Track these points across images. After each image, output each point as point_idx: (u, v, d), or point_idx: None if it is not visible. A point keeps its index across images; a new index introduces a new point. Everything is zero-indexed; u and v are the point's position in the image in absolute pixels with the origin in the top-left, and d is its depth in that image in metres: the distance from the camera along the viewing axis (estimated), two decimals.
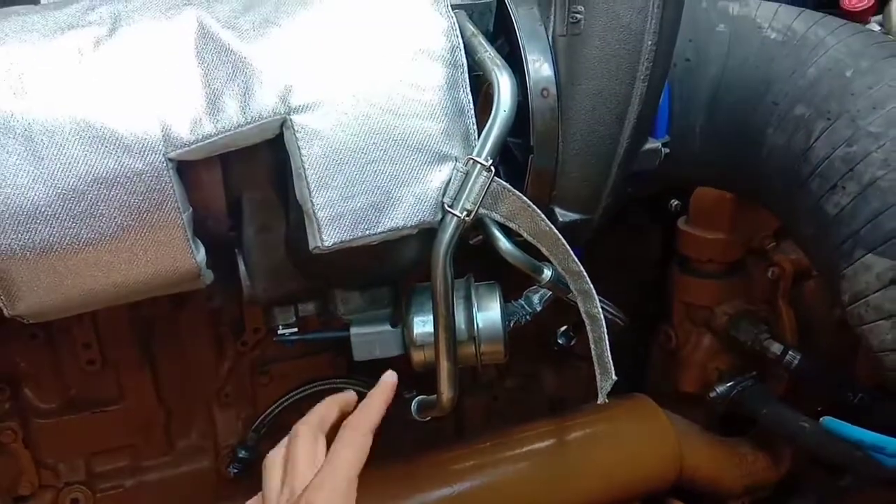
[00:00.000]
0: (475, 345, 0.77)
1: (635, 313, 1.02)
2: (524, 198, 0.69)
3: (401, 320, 0.79)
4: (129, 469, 1.07)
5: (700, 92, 0.83)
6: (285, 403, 1.03)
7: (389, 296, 0.81)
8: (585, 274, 0.70)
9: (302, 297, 0.81)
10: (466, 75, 0.68)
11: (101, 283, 0.64)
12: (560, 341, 1.20)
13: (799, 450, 1.14)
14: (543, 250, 0.71)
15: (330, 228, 0.65)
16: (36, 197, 0.59)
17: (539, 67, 0.73)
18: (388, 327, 0.80)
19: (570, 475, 1.04)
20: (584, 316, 0.72)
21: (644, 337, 1.27)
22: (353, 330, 0.80)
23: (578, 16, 0.71)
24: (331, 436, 0.63)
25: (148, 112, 0.61)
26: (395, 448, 1.11)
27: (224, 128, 0.62)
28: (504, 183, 0.68)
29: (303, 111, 0.63)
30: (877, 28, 0.96)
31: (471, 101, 0.68)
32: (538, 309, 0.85)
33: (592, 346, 0.72)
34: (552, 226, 0.69)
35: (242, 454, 1.06)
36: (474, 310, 0.77)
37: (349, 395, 0.67)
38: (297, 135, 0.63)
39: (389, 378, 0.67)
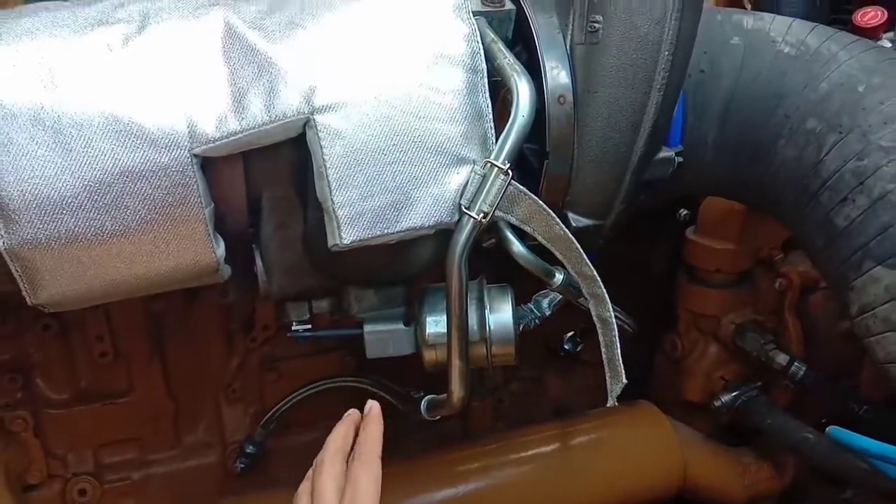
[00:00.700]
0: (486, 346, 0.78)
1: (641, 321, 1.03)
2: (540, 201, 0.70)
3: (414, 319, 0.80)
4: (137, 462, 1.08)
5: (713, 103, 0.84)
6: (294, 400, 1.04)
7: (403, 295, 0.82)
8: (598, 278, 0.71)
9: (317, 294, 0.82)
10: (486, 80, 0.70)
11: (123, 274, 0.65)
12: (566, 347, 1.21)
13: (802, 461, 1.14)
14: (557, 254, 0.72)
15: (349, 227, 0.66)
16: (63, 188, 0.60)
17: (557, 75, 0.74)
18: (401, 326, 0.81)
19: (573, 479, 1.05)
20: (595, 320, 0.73)
21: (650, 345, 1.28)
22: (367, 328, 0.81)
23: (597, 25, 0.72)
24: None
25: (175, 108, 0.62)
26: (401, 449, 1.13)
27: (248, 125, 0.64)
28: (520, 186, 0.69)
29: (326, 111, 0.65)
30: (889, 44, 0.97)
31: (490, 105, 0.69)
32: (547, 313, 0.86)
33: (603, 350, 0.73)
34: (566, 230, 0.70)
35: (250, 449, 1.07)
36: (486, 311, 0.78)
37: (356, 415, 0.69)
38: (320, 134, 0.65)
39: (375, 407, 0.68)
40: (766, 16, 0.86)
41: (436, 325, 0.78)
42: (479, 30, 0.70)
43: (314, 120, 0.64)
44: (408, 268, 0.76)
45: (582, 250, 0.71)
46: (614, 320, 0.72)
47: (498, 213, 0.69)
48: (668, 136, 0.80)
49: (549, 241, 0.71)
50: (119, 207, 0.62)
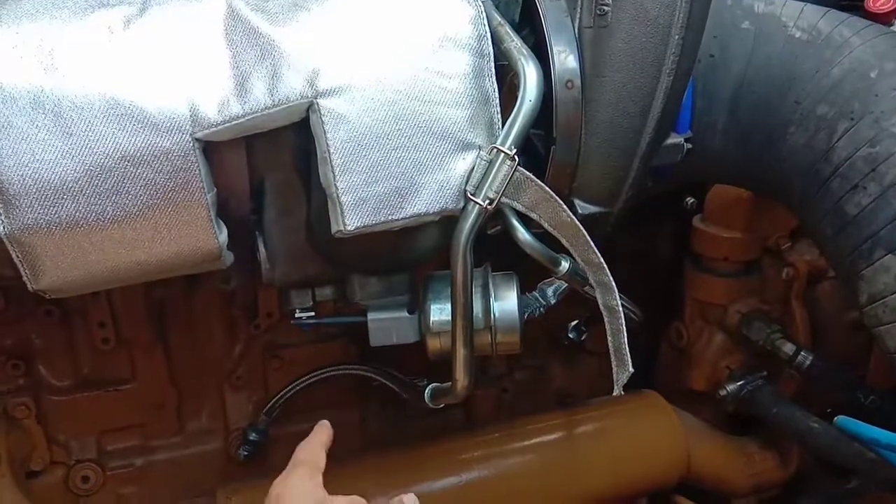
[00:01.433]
0: (491, 334, 0.78)
1: (646, 310, 1.02)
2: (546, 188, 0.69)
3: (418, 307, 0.80)
4: (140, 448, 1.08)
5: (723, 88, 0.83)
6: (298, 387, 1.03)
7: (407, 283, 0.81)
8: (605, 266, 0.70)
9: (320, 281, 0.81)
10: (492, 64, 0.69)
11: (125, 260, 0.64)
12: (571, 336, 1.20)
13: (807, 450, 1.14)
14: (563, 241, 0.71)
15: (353, 213, 0.65)
16: (63, 172, 0.60)
17: (564, 59, 0.73)
18: (404, 314, 0.80)
19: (577, 468, 1.05)
20: (602, 308, 0.73)
21: (654, 333, 1.27)
22: (371, 315, 0.80)
23: (606, 8, 0.71)
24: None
25: (176, 92, 0.62)
26: (403, 437, 1.13)
27: (251, 109, 0.63)
28: (527, 173, 0.68)
29: (329, 95, 0.64)
30: None
31: (496, 89, 0.69)
32: (552, 301, 0.86)
33: (610, 338, 0.73)
34: (573, 217, 0.69)
35: (253, 437, 1.07)
36: (491, 299, 0.78)
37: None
38: (324, 118, 0.64)
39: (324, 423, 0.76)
40: (777, 0, 0.85)
41: (440, 312, 0.77)
42: (485, 12, 0.69)
43: (318, 104, 0.63)
44: (412, 255, 0.75)
45: (589, 238, 0.70)
46: (621, 309, 0.71)
47: (504, 199, 0.68)
48: (678, 122, 0.79)
49: (556, 228, 0.71)
50: (120, 192, 0.61)
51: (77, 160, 0.60)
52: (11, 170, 0.59)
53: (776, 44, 0.82)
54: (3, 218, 0.59)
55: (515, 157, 0.67)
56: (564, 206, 0.69)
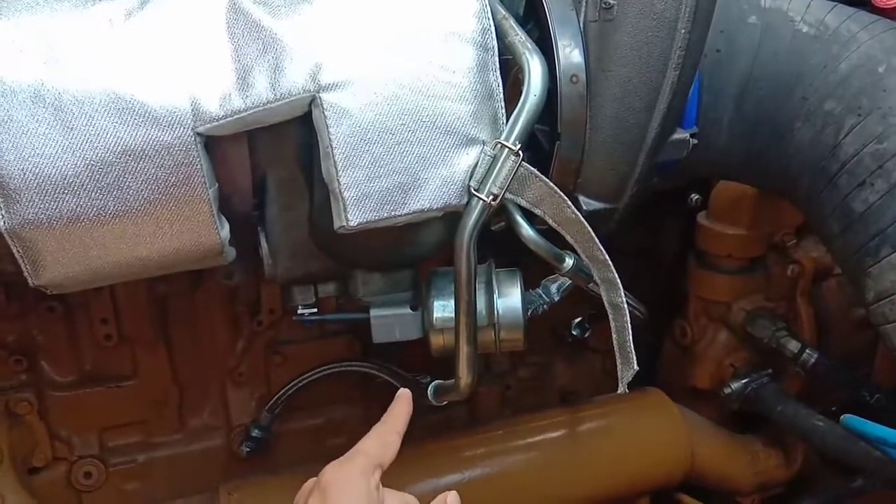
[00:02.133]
0: (495, 331, 0.77)
1: (650, 307, 1.02)
2: (551, 184, 0.68)
3: (421, 304, 0.79)
4: (142, 445, 1.08)
5: (729, 84, 0.82)
6: (300, 384, 1.03)
7: (410, 279, 0.81)
8: (610, 262, 0.70)
9: (323, 277, 0.81)
10: (497, 58, 0.68)
11: (126, 255, 0.64)
12: (574, 333, 1.20)
13: (812, 449, 1.13)
14: (568, 238, 0.70)
15: (356, 208, 0.65)
16: (64, 167, 0.59)
17: (569, 53, 0.72)
18: (407, 310, 0.80)
19: (580, 465, 1.04)
20: (606, 305, 0.72)
21: (659, 331, 1.27)
22: (373, 312, 0.79)
23: (611, 1, 0.70)
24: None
25: (178, 85, 0.61)
26: (406, 433, 1.12)
27: (253, 103, 0.62)
28: (531, 168, 0.68)
29: (332, 89, 0.63)
30: None
31: (500, 84, 0.68)
32: (556, 298, 0.85)
33: (615, 336, 0.72)
34: (578, 213, 0.69)
35: (256, 433, 1.06)
36: (495, 296, 0.77)
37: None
38: (326, 113, 0.63)
39: (405, 392, 0.67)
40: None
41: (443, 309, 0.76)
42: (489, 6, 0.69)
43: (320, 98, 0.63)
44: (415, 251, 0.75)
45: (594, 234, 0.69)
46: (626, 306, 0.71)
47: (508, 195, 0.68)
48: (683, 118, 0.79)
49: (560, 224, 0.70)
50: (121, 187, 0.61)
51: (78, 154, 0.59)
52: (12, 164, 0.58)
53: (783, 39, 0.81)
54: (3, 212, 0.59)
55: (520, 152, 0.66)
56: (569, 202, 0.69)
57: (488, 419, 1.17)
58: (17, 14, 0.61)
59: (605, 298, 0.72)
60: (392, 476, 0.95)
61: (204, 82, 0.61)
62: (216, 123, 0.62)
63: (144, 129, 0.60)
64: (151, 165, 0.61)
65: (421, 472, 0.97)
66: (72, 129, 0.59)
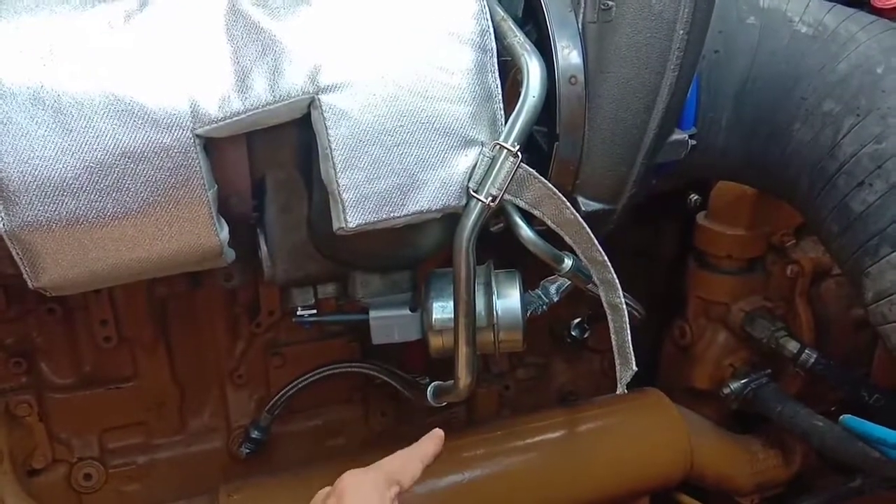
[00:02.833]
0: (494, 332, 0.77)
1: (649, 307, 1.02)
2: (550, 185, 0.68)
3: (420, 305, 0.79)
4: (142, 446, 1.08)
5: (728, 84, 0.82)
6: (300, 385, 1.03)
7: (409, 280, 0.81)
8: (609, 263, 0.70)
9: (321, 279, 0.81)
10: (495, 60, 0.68)
11: (125, 257, 0.64)
12: (573, 333, 1.20)
13: (811, 449, 1.13)
14: (567, 239, 0.71)
15: (355, 210, 0.65)
16: (63, 169, 0.59)
17: (568, 54, 0.72)
18: (406, 312, 0.80)
19: (580, 466, 1.04)
20: (605, 306, 0.72)
21: (658, 331, 1.27)
22: (373, 313, 0.80)
23: (610, 3, 0.70)
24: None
25: (177, 88, 0.61)
26: (405, 435, 1.12)
27: (252, 105, 0.62)
28: (530, 169, 0.68)
29: (331, 91, 0.63)
30: None
31: (499, 85, 0.68)
32: (555, 299, 0.85)
33: (613, 337, 0.72)
34: (577, 214, 0.69)
35: (255, 435, 1.06)
36: (494, 297, 0.77)
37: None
38: (325, 115, 0.63)
39: (439, 432, 0.70)
40: None
41: (443, 310, 0.77)
42: (488, 7, 0.69)
43: (319, 100, 0.63)
44: (414, 252, 0.75)
45: (592, 235, 0.69)
46: (625, 307, 0.71)
47: (507, 196, 0.68)
48: (682, 118, 0.79)
49: (559, 225, 0.70)
50: (120, 189, 0.61)
51: (77, 157, 0.59)
52: (11, 166, 0.58)
53: (781, 39, 0.81)
54: (3, 215, 0.59)
55: (518, 153, 0.66)
56: (567, 203, 0.69)
57: (487, 420, 1.17)
58: (16, 16, 0.61)
59: (603, 299, 0.72)
60: None
61: (203, 84, 0.62)
62: (215, 125, 0.62)
63: (143, 132, 0.60)
64: (150, 167, 0.61)
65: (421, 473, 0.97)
66: (71, 131, 0.59)
